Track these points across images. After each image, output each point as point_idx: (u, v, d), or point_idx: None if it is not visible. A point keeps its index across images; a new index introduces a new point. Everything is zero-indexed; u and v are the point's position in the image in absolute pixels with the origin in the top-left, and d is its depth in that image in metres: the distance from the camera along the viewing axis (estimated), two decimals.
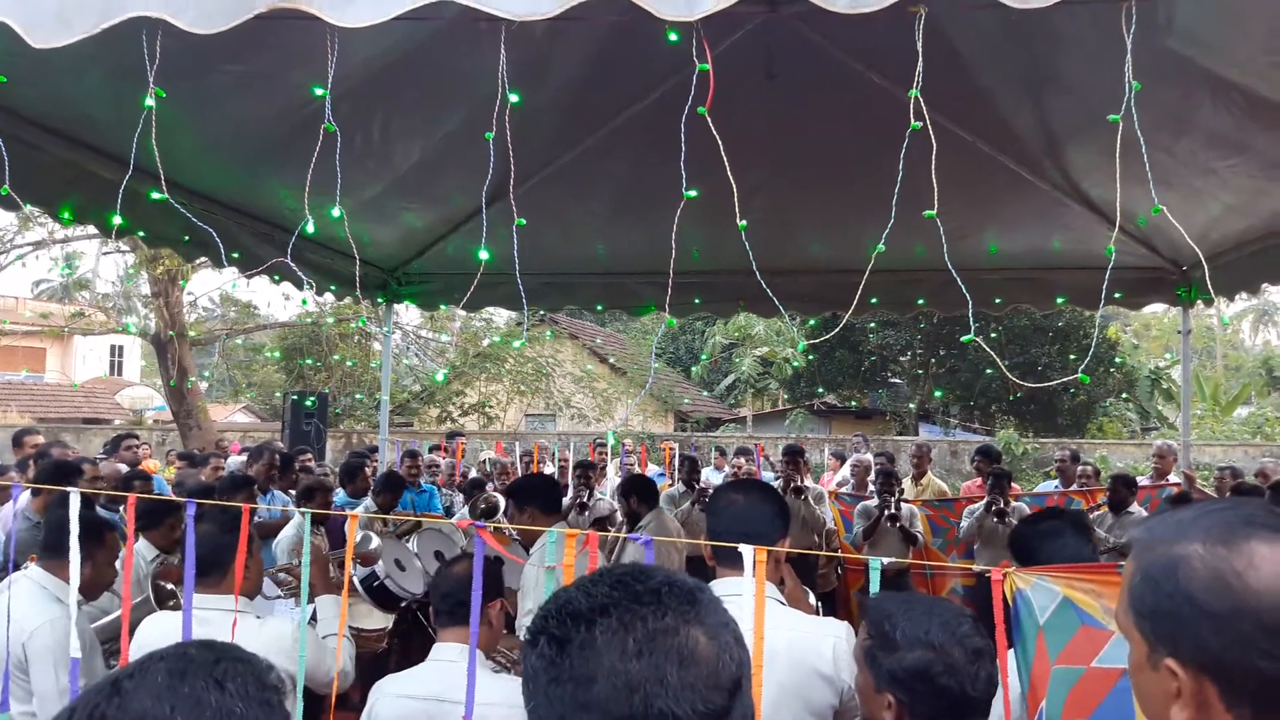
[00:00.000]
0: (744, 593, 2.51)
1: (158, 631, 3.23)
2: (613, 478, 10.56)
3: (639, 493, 6.16)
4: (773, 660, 2.47)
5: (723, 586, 2.62)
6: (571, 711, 1.05)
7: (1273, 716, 1.08)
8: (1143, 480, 10.02)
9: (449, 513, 8.36)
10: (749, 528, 2.67)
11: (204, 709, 1.13)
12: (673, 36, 3.14)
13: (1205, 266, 4.79)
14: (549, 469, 11.12)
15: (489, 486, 8.70)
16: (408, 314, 21.29)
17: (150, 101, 3.02)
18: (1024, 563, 3.07)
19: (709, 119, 2.78)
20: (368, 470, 7.96)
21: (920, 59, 2.69)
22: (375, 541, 5.14)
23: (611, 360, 28.84)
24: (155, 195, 3.54)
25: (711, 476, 11.60)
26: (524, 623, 4.00)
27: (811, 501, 8.17)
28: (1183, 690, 1.11)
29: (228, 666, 1.19)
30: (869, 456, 10.24)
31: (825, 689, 2.49)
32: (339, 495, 7.52)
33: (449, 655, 2.87)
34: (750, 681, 1.13)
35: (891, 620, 2.05)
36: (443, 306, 10.11)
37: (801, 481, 8.30)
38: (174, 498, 5.56)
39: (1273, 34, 3.83)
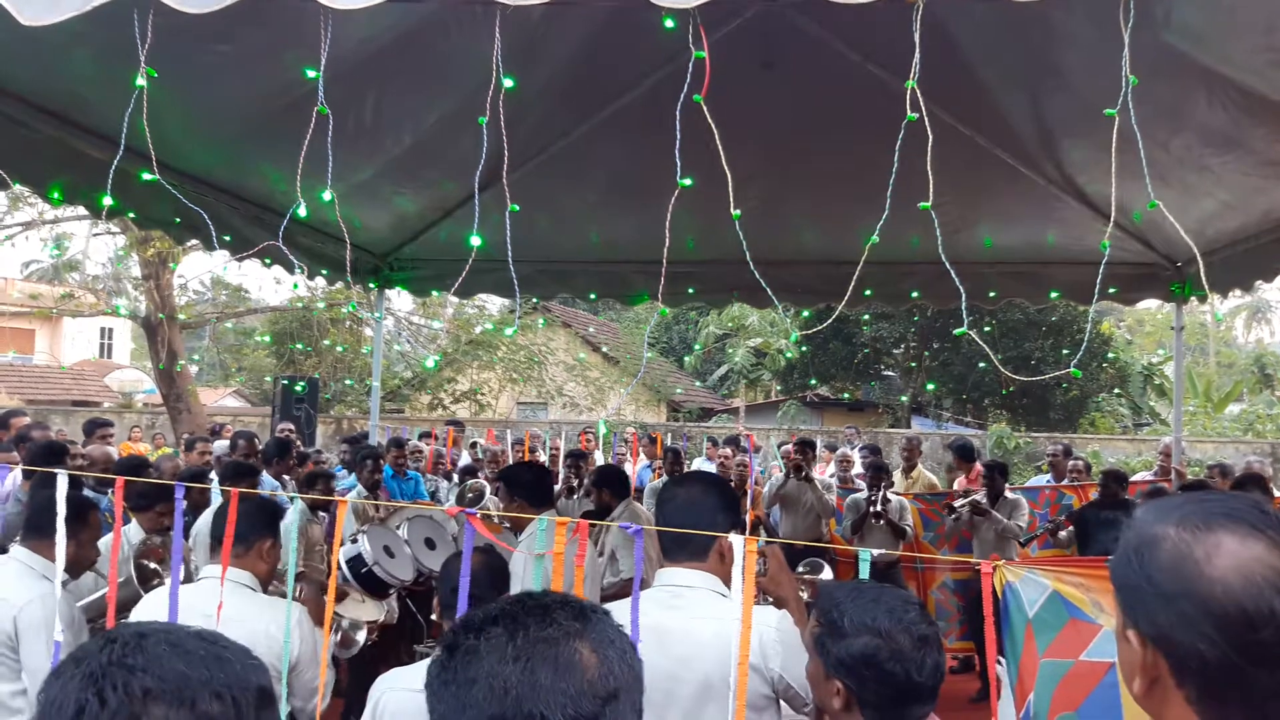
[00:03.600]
0: (694, 584, 2.58)
1: (162, 609, 3.25)
2: None
3: (610, 485, 6.15)
4: (700, 651, 2.49)
5: (668, 576, 2.66)
6: (453, 711, 1.15)
7: (1214, 698, 1.13)
8: (1146, 475, 10.07)
9: (434, 498, 8.36)
10: (685, 520, 2.69)
11: (232, 664, 1.13)
12: (669, 23, 3.12)
13: (1200, 262, 4.78)
14: (541, 457, 11.13)
15: (480, 474, 8.70)
16: (400, 300, 21.25)
17: (141, 81, 2.99)
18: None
19: (704, 107, 2.76)
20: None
21: (917, 50, 2.68)
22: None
23: (604, 349, 28.82)
24: (146, 176, 3.51)
25: (703, 467, 11.62)
26: None
27: (820, 488, 8.39)
28: (1141, 662, 1.18)
29: (203, 633, 1.17)
30: (851, 450, 10.28)
31: (754, 678, 2.49)
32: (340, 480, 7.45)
33: None
34: (635, 696, 1.19)
35: (840, 608, 2.09)
36: (435, 293, 10.07)
37: (809, 471, 8.44)
38: (165, 481, 5.53)
39: (1269, 31, 3.82)
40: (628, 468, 10.72)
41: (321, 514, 6.27)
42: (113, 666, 1.08)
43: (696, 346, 31.02)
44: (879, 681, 2.01)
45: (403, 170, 6.16)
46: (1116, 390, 24.91)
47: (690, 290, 8.25)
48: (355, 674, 5.93)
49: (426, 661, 2.89)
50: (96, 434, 8.35)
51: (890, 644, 2.01)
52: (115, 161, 3.45)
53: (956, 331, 3.10)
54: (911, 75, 2.72)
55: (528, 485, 4.67)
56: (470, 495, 7.53)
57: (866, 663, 2.02)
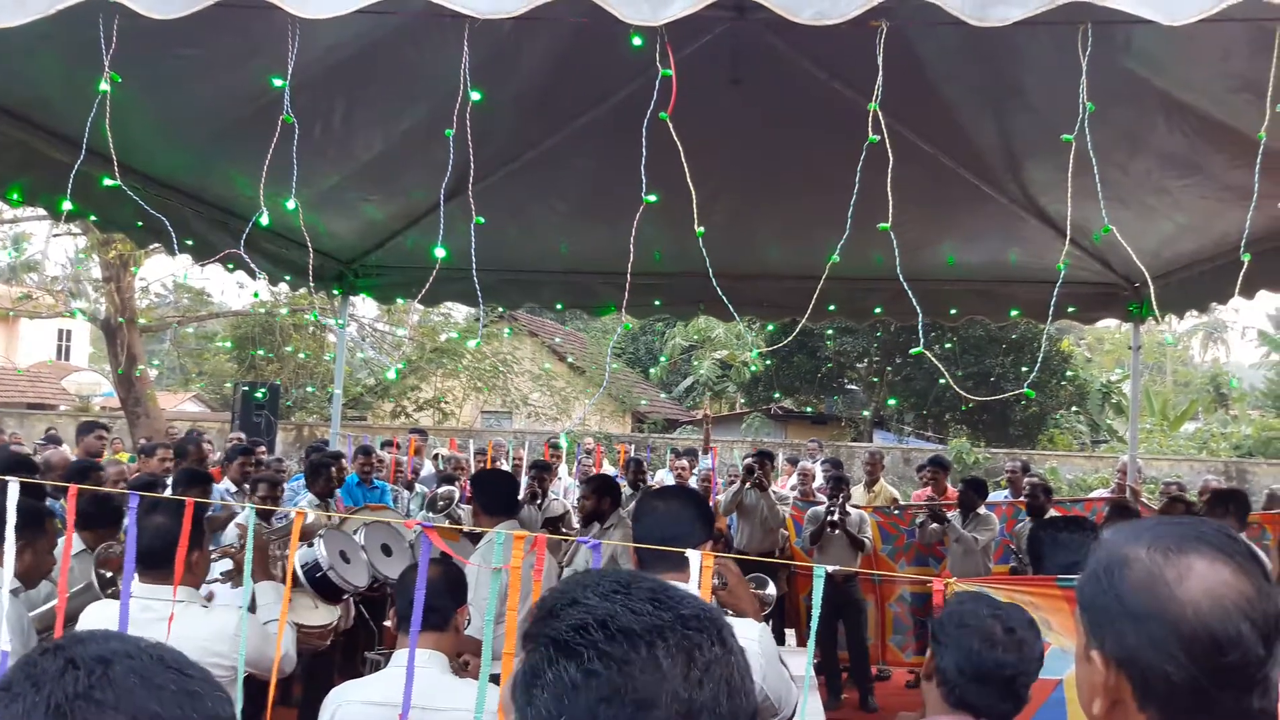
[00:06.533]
0: None
1: (103, 619, 3.19)
2: (565, 479, 10.54)
3: (612, 494, 6.30)
4: None
5: None
6: None
7: None
8: (1103, 492, 10.24)
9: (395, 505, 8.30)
10: (666, 532, 2.72)
11: (202, 699, 1.07)
12: (636, 41, 3.12)
13: (1151, 287, 4.87)
14: (504, 467, 11.08)
15: (457, 482, 8.65)
16: (364, 306, 21.09)
17: (105, 86, 2.97)
18: (1036, 566, 3.16)
19: (670, 125, 2.78)
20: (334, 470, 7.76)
21: (880, 73, 2.71)
22: (310, 516, 5.09)
23: (570, 359, 28.77)
24: (107, 181, 3.48)
25: (666, 478, 11.63)
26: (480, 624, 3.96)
27: (773, 498, 8.47)
28: (1103, 683, 1.18)
29: (166, 658, 1.10)
30: (812, 464, 10.33)
31: None
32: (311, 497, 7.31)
33: (416, 661, 2.83)
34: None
35: (966, 593, 2.40)
36: (399, 300, 10.03)
37: (765, 479, 8.50)
38: (124, 491, 5.45)
39: (1226, 58, 3.90)
40: None
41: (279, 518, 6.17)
42: (80, 700, 1.02)
43: (662, 358, 31.03)
44: (955, 645, 2.19)
45: (370, 177, 6.13)
46: (1075, 407, 25.20)
47: (656, 302, 8.28)
48: (308, 682, 5.87)
49: (384, 672, 2.90)
50: (93, 435, 8.41)
51: (979, 621, 2.20)
52: (76, 165, 3.41)
53: (913, 351, 3.14)
54: (874, 98, 2.75)
55: (489, 491, 4.65)
56: (441, 503, 7.51)
57: (954, 622, 2.23)
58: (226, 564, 4.41)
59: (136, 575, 3.20)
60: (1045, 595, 2.64)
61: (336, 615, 5.06)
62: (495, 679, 2.72)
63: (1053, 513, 7.43)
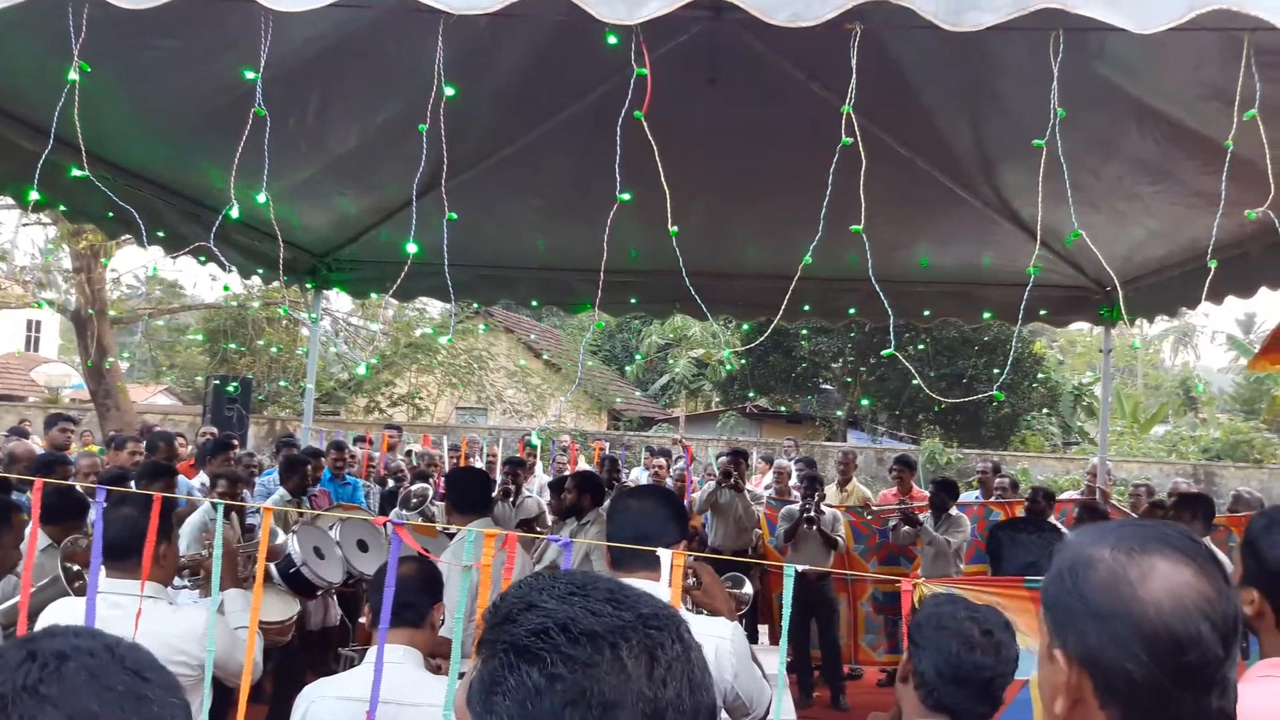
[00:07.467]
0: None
1: (66, 616, 3.16)
2: (540, 476, 10.53)
3: (592, 491, 6.34)
4: None
5: None
6: None
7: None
8: (1073, 494, 10.33)
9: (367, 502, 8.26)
10: (638, 531, 2.73)
11: (150, 704, 1.06)
12: (612, 40, 3.11)
13: (1120, 292, 4.91)
14: (477, 464, 11.06)
15: (431, 479, 8.62)
16: (338, 300, 20.96)
17: (74, 75, 2.94)
18: (995, 567, 3.19)
19: (645, 124, 2.78)
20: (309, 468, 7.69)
21: (854, 76, 2.71)
22: (280, 537, 5.06)
23: (546, 356, 28.70)
24: (75, 172, 3.44)
25: (641, 476, 11.64)
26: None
27: (748, 498, 8.46)
28: (1065, 682, 1.19)
29: (128, 659, 1.10)
30: (788, 462, 10.36)
31: None
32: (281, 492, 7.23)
33: (392, 657, 2.82)
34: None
35: (941, 596, 2.39)
36: (373, 295, 9.99)
37: (741, 481, 8.48)
38: (89, 485, 5.39)
39: (1197, 67, 3.94)
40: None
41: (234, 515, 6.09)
42: (24, 692, 1.03)
43: (638, 356, 31.03)
44: (932, 646, 2.20)
45: (345, 171, 6.10)
46: (1047, 409, 25.38)
47: (632, 300, 8.27)
48: (278, 678, 5.83)
49: (360, 669, 2.89)
50: (56, 428, 8.42)
51: (957, 624, 2.22)
52: (44, 155, 3.37)
53: (885, 353, 3.16)
54: (848, 100, 2.76)
55: (461, 489, 4.62)
56: (415, 500, 7.48)
57: (931, 623, 2.24)
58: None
59: (103, 569, 3.17)
60: (1012, 596, 2.66)
61: (296, 610, 5.02)
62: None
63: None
